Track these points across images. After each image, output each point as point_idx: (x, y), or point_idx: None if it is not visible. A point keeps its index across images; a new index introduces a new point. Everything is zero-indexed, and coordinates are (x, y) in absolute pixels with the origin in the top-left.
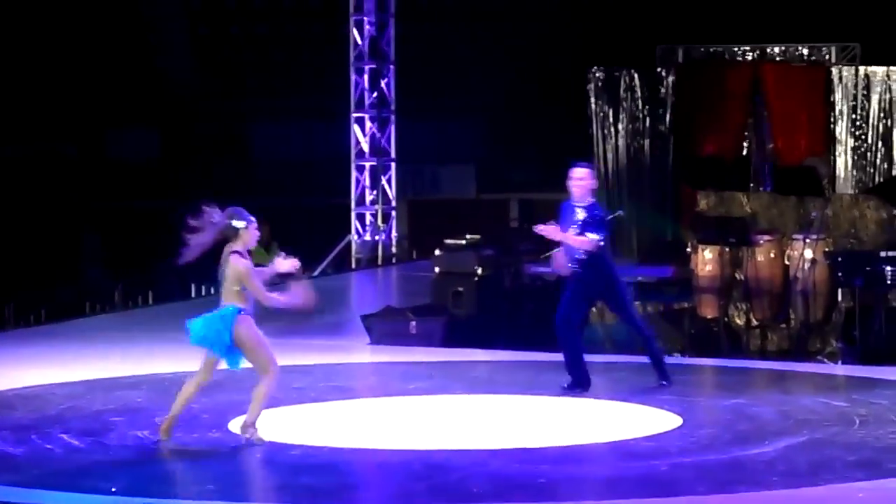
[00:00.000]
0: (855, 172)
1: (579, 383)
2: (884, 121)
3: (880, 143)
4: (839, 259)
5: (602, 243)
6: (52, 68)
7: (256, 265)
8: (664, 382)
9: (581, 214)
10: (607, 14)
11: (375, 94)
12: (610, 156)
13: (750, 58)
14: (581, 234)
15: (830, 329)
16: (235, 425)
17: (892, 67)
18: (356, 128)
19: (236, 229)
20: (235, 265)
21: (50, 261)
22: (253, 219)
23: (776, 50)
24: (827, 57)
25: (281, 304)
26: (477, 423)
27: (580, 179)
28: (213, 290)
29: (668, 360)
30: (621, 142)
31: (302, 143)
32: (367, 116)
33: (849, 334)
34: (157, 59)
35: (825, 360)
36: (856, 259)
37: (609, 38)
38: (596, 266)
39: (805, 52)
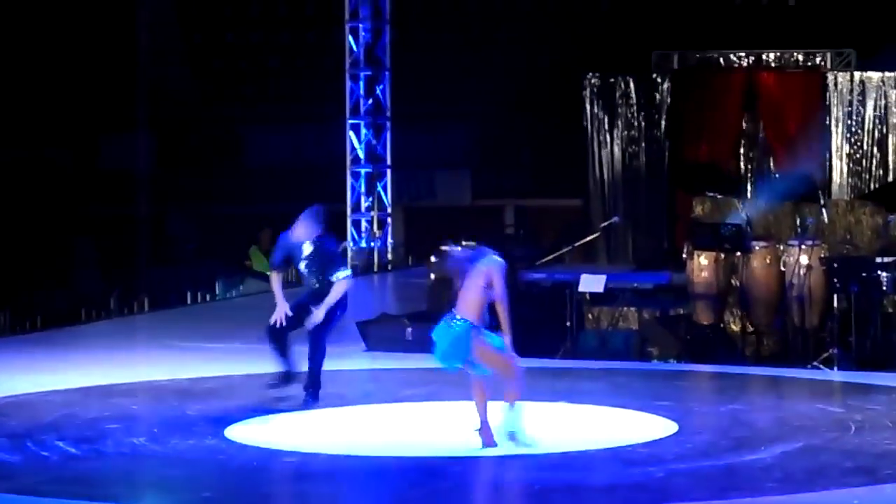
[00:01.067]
0: (850, 178)
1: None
2: (879, 127)
3: (875, 149)
4: (835, 265)
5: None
6: (46, 74)
7: (257, 272)
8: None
9: (309, 248)
10: (602, 20)
11: (371, 101)
12: (605, 162)
13: (745, 64)
14: (321, 271)
15: (826, 335)
16: (231, 432)
17: (887, 73)
18: (352, 134)
19: None
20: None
21: (45, 267)
22: None
23: (771, 56)
24: (822, 63)
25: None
26: (473, 429)
27: (304, 222)
28: (208, 298)
29: (665, 366)
30: (616, 148)
31: (297, 150)
32: (362, 123)
33: (844, 340)
34: (152, 67)
35: (821, 366)
36: (851, 265)
37: (604, 43)
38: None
39: (800, 58)
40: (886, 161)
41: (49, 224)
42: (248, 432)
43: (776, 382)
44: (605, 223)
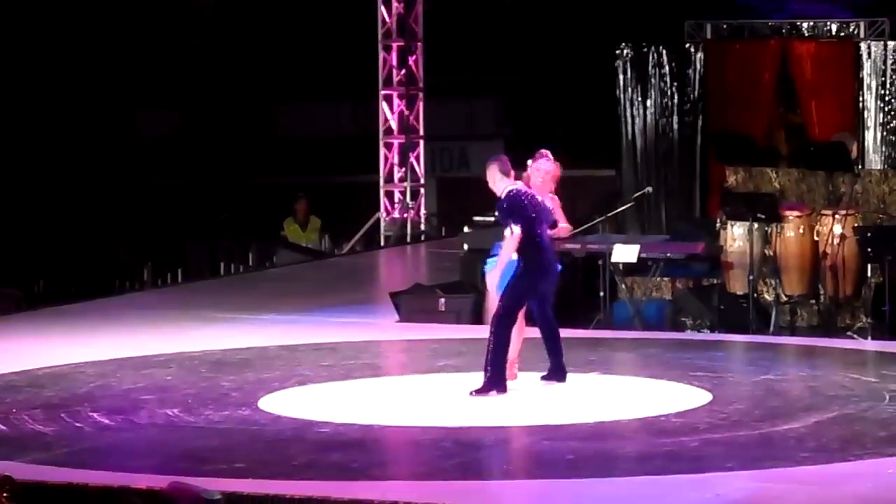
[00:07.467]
0: (884, 147)
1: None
2: None
3: None
4: (868, 234)
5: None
6: (81, 50)
7: (291, 243)
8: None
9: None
10: None
11: (403, 72)
12: (638, 132)
13: (779, 33)
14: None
15: (860, 304)
16: (265, 402)
17: None
18: (384, 105)
19: None
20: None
21: (79, 239)
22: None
23: (805, 25)
24: (856, 32)
25: None
26: (506, 399)
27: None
28: (241, 269)
29: (698, 336)
30: (649, 118)
31: (330, 121)
32: (395, 94)
33: (878, 310)
34: (186, 39)
35: (855, 335)
36: (885, 234)
37: (637, 13)
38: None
39: (834, 27)
40: None
41: (84, 196)
42: (281, 403)
43: (810, 352)
44: (638, 193)
